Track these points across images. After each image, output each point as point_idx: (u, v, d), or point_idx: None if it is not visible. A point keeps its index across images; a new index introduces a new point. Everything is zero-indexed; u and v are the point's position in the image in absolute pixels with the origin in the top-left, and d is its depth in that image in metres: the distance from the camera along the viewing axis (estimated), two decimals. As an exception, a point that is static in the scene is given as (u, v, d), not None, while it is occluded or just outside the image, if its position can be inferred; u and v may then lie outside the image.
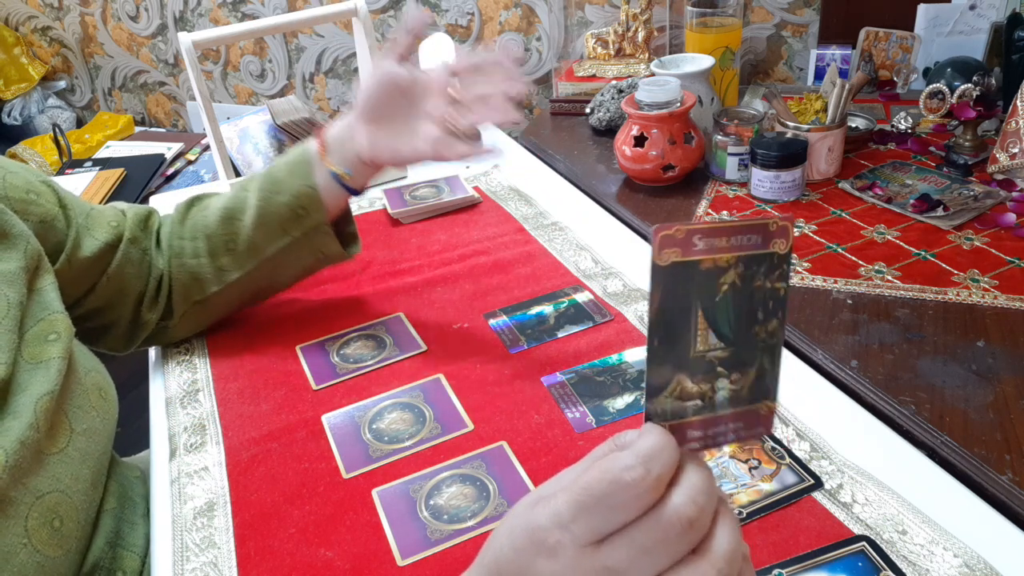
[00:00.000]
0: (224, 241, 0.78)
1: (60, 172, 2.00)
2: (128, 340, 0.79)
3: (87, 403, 0.62)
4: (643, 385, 0.38)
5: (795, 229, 0.38)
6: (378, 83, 0.72)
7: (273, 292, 0.84)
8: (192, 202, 0.81)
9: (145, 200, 1.77)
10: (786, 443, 0.63)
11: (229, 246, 0.78)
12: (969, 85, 1.07)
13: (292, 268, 0.81)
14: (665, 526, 0.32)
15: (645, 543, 0.32)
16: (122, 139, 2.29)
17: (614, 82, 1.36)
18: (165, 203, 1.20)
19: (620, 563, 0.32)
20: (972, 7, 1.27)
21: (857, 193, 1.03)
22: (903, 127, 1.18)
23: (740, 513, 0.57)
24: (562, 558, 0.33)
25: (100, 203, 1.73)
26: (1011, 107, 0.99)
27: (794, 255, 0.90)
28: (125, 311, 0.78)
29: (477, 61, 0.71)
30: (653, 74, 1.18)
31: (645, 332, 0.77)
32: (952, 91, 1.08)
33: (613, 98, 1.32)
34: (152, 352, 0.83)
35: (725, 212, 1.02)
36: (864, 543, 0.54)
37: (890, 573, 0.51)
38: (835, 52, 1.37)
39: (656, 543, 0.32)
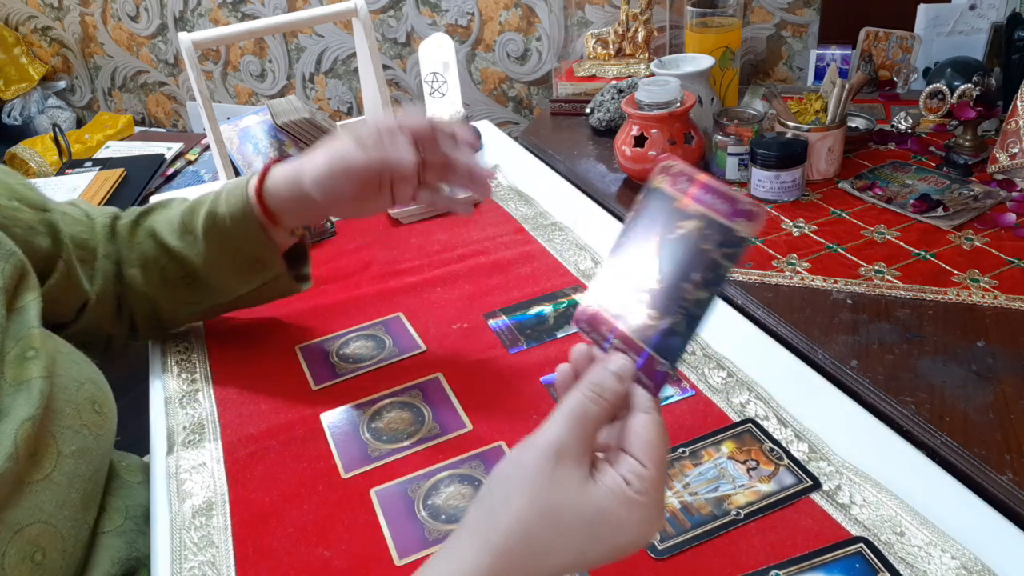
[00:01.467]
0: (179, 276, 0.75)
1: (60, 172, 2.00)
2: (104, 350, 0.79)
3: (78, 421, 0.59)
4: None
5: (760, 224, 0.41)
6: (339, 171, 0.66)
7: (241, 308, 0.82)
8: (138, 220, 0.77)
9: (145, 200, 1.77)
10: (785, 444, 0.63)
11: (185, 281, 0.75)
12: (969, 85, 1.07)
13: (254, 302, 0.79)
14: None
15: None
16: (122, 139, 2.29)
17: (614, 82, 1.36)
18: (165, 203, 1.21)
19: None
20: (972, 7, 1.27)
21: (857, 193, 1.03)
22: (903, 127, 1.18)
23: (738, 514, 0.57)
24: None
25: (100, 204, 1.73)
26: (1011, 107, 0.99)
27: (794, 255, 0.90)
28: (104, 329, 0.77)
29: (441, 129, 0.67)
30: (653, 74, 1.18)
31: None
32: (952, 91, 1.08)
33: (613, 98, 1.32)
34: (151, 352, 0.83)
35: (725, 212, 1.02)
36: (862, 544, 0.54)
37: (887, 575, 0.51)
38: (835, 52, 1.37)
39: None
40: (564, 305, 0.83)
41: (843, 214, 0.99)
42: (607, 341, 0.44)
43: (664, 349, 0.42)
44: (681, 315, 0.41)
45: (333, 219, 1.06)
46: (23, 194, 0.68)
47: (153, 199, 1.21)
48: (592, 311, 0.45)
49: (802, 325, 0.79)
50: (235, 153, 1.17)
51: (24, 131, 2.61)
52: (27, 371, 0.56)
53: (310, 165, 0.67)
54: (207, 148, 2.07)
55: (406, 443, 0.67)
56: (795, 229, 0.97)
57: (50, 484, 0.55)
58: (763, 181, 1.02)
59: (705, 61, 1.18)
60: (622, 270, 0.44)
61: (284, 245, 0.74)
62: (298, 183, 0.68)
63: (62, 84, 2.75)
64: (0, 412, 0.53)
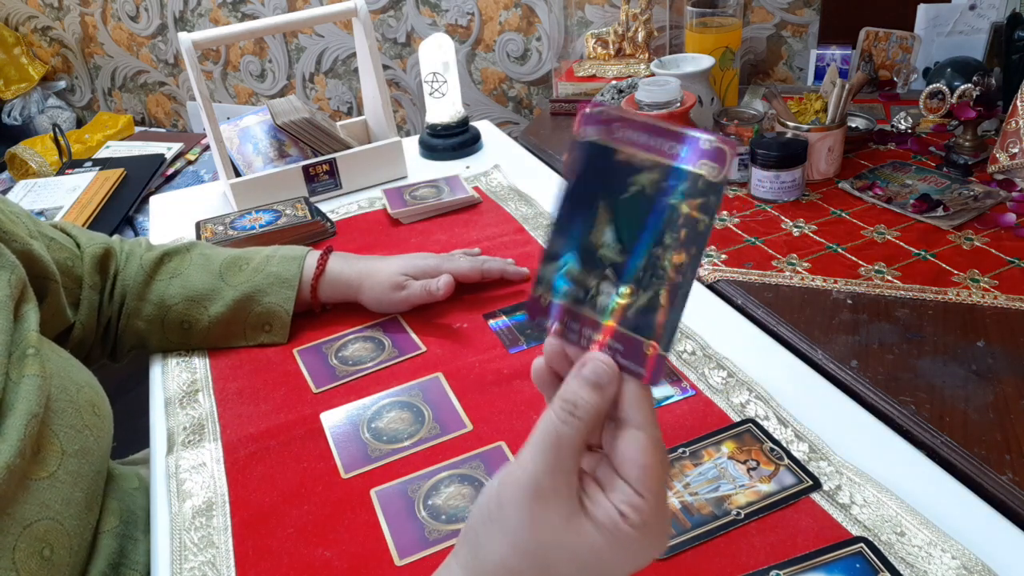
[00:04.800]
0: (180, 320, 0.80)
1: (60, 172, 1.99)
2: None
3: (80, 422, 0.61)
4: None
5: (735, 161, 0.34)
6: (398, 300, 0.81)
7: None
8: (162, 259, 0.82)
9: (144, 200, 1.77)
10: (785, 444, 0.63)
11: (184, 326, 0.80)
12: (969, 85, 1.07)
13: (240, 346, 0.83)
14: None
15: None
16: (122, 139, 2.29)
17: (614, 82, 1.36)
18: (165, 203, 1.21)
19: None
20: (972, 7, 1.27)
21: (857, 193, 1.03)
22: (903, 127, 1.18)
23: (738, 514, 0.57)
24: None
25: (99, 204, 1.73)
26: (1011, 107, 0.99)
27: (794, 255, 0.90)
28: (86, 352, 0.80)
29: (489, 277, 0.86)
30: (653, 74, 1.17)
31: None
32: (952, 91, 1.08)
33: (613, 98, 1.32)
34: (152, 353, 0.83)
35: (725, 212, 1.02)
36: (862, 544, 0.54)
37: (888, 575, 0.51)
38: (835, 52, 1.37)
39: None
40: (564, 305, 0.83)
41: (843, 214, 0.99)
42: (573, 332, 0.37)
43: (648, 328, 0.35)
44: (661, 285, 0.34)
45: (332, 219, 1.06)
46: (16, 216, 0.71)
47: (153, 199, 1.22)
48: (547, 301, 0.38)
49: (802, 325, 0.79)
50: (235, 153, 1.17)
51: (24, 131, 2.61)
52: (26, 368, 0.57)
53: (370, 288, 0.81)
54: (207, 148, 2.07)
55: (406, 443, 0.67)
56: (795, 229, 0.97)
57: (55, 482, 0.56)
58: (763, 181, 1.02)
59: (705, 61, 1.18)
60: (571, 246, 0.37)
61: (300, 309, 0.83)
62: (354, 291, 0.82)
63: (62, 84, 2.75)
64: (8, 406, 0.55)
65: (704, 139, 0.33)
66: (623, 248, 0.35)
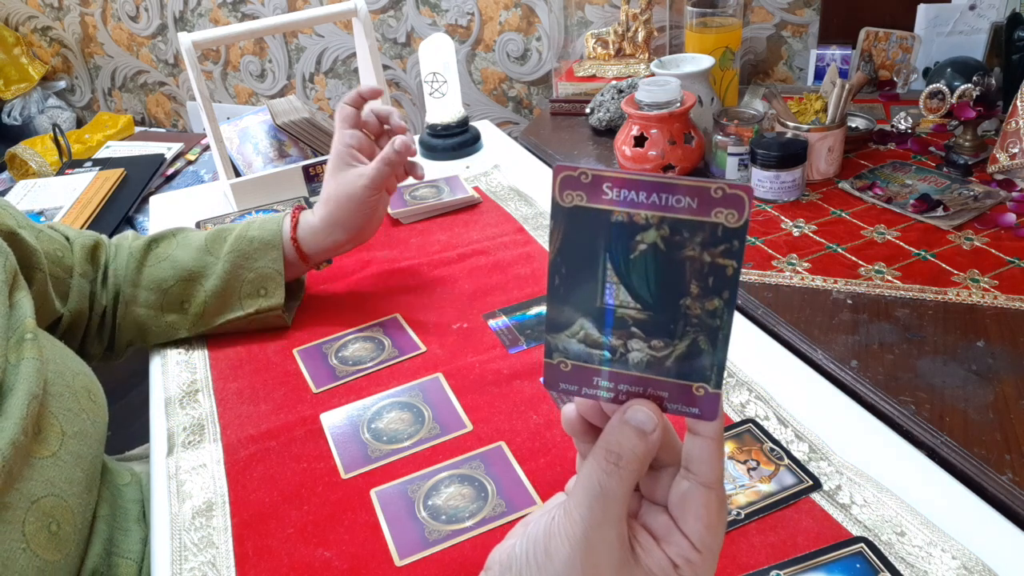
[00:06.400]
0: (179, 300, 0.80)
1: (60, 172, 1.99)
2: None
3: (77, 406, 0.62)
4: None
5: (753, 203, 0.33)
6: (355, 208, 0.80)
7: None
8: (150, 246, 0.82)
9: (144, 200, 1.77)
10: (785, 444, 0.63)
11: (183, 306, 0.81)
12: (969, 85, 1.07)
13: (235, 329, 0.83)
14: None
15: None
16: (122, 139, 2.29)
17: (614, 82, 1.36)
18: (165, 203, 1.20)
19: None
20: (972, 7, 1.27)
21: (857, 193, 1.03)
22: (903, 127, 1.18)
23: (738, 514, 0.57)
24: None
25: (99, 204, 1.73)
26: (1011, 107, 0.99)
27: (794, 255, 0.90)
28: (76, 342, 0.80)
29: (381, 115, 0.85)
30: (653, 74, 1.17)
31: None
32: (952, 91, 1.08)
33: (613, 98, 1.32)
34: (151, 352, 0.83)
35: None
36: (862, 544, 0.54)
37: (888, 575, 0.51)
38: (835, 52, 1.37)
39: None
40: (564, 305, 0.83)
41: (843, 214, 0.99)
42: (608, 390, 0.36)
43: (692, 373, 0.34)
44: (698, 332, 0.33)
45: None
46: (3, 208, 0.71)
47: (153, 199, 1.22)
48: (569, 366, 0.36)
49: (802, 325, 0.79)
50: (235, 153, 1.17)
51: (24, 131, 2.61)
52: (25, 351, 0.59)
53: (338, 211, 0.80)
54: (207, 148, 2.07)
55: (406, 443, 0.67)
56: (795, 229, 0.97)
57: (58, 461, 0.57)
58: (763, 181, 1.02)
59: (705, 61, 1.18)
60: (581, 313, 0.35)
61: (292, 277, 0.83)
62: (330, 230, 0.81)
63: (62, 84, 2.75)
64: (8, 388, 0.56)
65: (715, 188, 0.31)
66: (644, 306, 0.34)
